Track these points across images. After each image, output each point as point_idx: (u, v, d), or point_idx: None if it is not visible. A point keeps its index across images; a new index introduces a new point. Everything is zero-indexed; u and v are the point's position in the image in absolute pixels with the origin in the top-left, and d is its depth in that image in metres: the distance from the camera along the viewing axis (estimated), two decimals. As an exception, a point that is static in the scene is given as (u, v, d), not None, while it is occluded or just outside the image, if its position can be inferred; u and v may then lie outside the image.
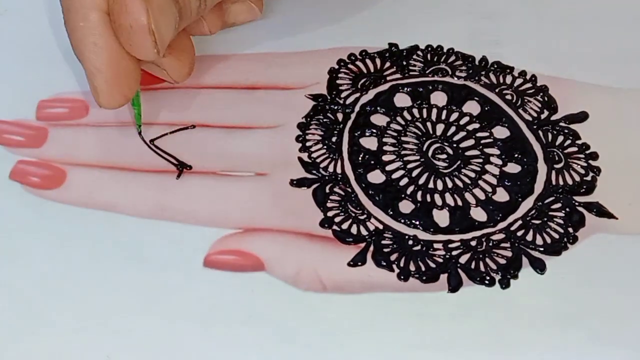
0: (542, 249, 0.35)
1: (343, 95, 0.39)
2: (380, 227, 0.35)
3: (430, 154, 0.37)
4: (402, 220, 0.35)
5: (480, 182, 0.37)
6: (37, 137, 0.37)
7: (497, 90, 0.40)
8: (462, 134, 0.38)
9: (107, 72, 0.34)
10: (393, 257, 0.34)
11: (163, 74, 0.36)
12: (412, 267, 0.34)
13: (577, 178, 0.37)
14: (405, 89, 0.40)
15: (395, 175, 0.37)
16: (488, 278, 0.34)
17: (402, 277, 0.34)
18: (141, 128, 0.37)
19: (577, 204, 0.36)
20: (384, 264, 0.34)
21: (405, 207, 0.36)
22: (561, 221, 0.35)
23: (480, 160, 0.37)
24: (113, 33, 0.34)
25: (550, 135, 0.38)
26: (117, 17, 0.33)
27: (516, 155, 0.38)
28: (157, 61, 0.35)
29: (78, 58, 0.34)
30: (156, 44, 0.33)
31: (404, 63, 0.41)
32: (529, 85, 0.40)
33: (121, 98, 0.34)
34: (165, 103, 0.38)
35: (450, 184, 0.37)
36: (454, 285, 0.33)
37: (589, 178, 0.37)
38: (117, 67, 0.34)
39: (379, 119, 0.39)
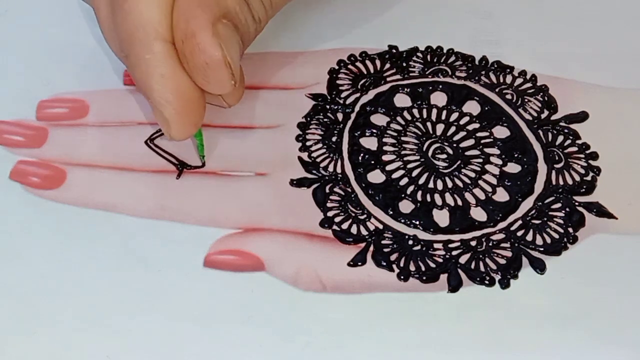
0: (542, 249, 0.35)
1: (343, 95, 0.39)
2: (380, 227, 0.35)
3: (430, 154, 0.38)
4: (402, 220, 0.35)
5: (480, 182, 0.37)
6: (37, 137, 0.37)
7: (497, 90, 0.40)
8: (462, 133, 0.38)
9: (176, 102, 0.33)
10: (393, 257, 0.34)
11: (217, 100, 0.36)
12: (412, 267, 0.34)
13: (577, 178, 0.37)
14: (405, 89, 0.40)
15: (395, 175, 0.37)
16: (488, 278, 0.34)
17: (402, 277, 0.34)
18: (205, 159, 0.37)
19: (577, 204, 0.36)
20: (384, 264, 0.34)
21: (405, 207, 0.36)
22: (561, 221, 0.35)
23: (480, 160, 0.37)
24: (179, 63, 0.33)
25: (550, 135, 0.38)
26: (190, 58, 0.33)
27: (516, 155, 0.38)
28: None
29: (142, 91, 0.34)
30: (233, 76, 0.33)
31: (404, 64, 0.41)
32: (529, 85, 0.40)
33: (191, 127, 0.34)
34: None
35: (450, 184, 0.37)
36: (454, 285, 0.33)
37: (589, 178, 0.37)
38: (185, 97, 0.33)
39: (379, 119, 0.39)
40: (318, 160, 0.37)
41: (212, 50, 0.32)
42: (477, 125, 0.39)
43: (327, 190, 0.36)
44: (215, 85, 0.33)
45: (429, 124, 0.39)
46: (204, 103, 0.34)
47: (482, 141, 0.38)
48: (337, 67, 0.40)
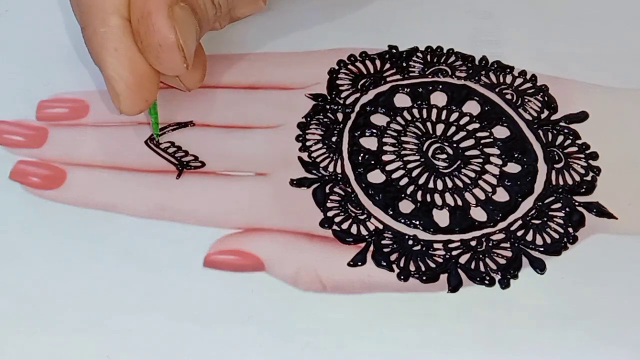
0: (542, 249, 0.35)
1: (343, 95, 0.39)
2: (380, 227, 0.35)
3: (430, 154, 0.38)
4: (402, 220, 0.35)
5: (480, 182, 0.37)
6: (37, 137, 0.37)
7: (497, 90, 0.40)
8: (462, 133, 0.38)
9: (128, 77, 0.33)
10: (393, 257, 0.34)
11: (176, 82, 0.36)
12: (412, 267, 0.34)
13: (577, 178, 0.37)
14: (405, 89, 0.40)
15: (395, 175, 0.37)
16: (488, 278, 0.34)
17: (402, 277, 0.34)
18: (159, 137, 0.37)
19: (577, 204, 0.36)
20: (384, 264, 0.34)
21: (405, 207, 0.36)
22: (561, 221, 0.35)
23: (480, 160, 0.37)
24: (133, 39, 0.33)
25: (550, 135, 0.38)
26: (144, 37, 0.33)
27: (516, 155, 0.38)
28: None
29: (97, 63, 0.34)
30: (185, 59, 0.33)
31: (404, 64, 0.41)
32: (529, 85, 0.40)
33: (142, 103, 0.34)
34: (165, 103, 0.38)
35: (450, 184, 0.37)
36: (454, 285, 0.33)
37: (589, 178, 0.37)
38: (138, 72, 0.34)
39: (379, 119, 0.39)
40: (318, 160, 0.37)
41: (165, 32, 0.33)
42: (477, 125, 0.39)
43: (327, 190, 0.36)
44: (167, 66, 0.34)
45: (429, 124, 0.39)
46: (156, 80, 0.34)
47: (482, 141, 0.38)
48: (337, 67, 0.40)
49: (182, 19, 0.33)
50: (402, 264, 0.34)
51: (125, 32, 0.33)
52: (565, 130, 0.38)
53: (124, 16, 0.33)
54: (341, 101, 0.39)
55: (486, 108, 0.39)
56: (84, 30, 0.34)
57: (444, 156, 0.37)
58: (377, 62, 0.41)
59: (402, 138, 0.38)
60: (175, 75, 0.35)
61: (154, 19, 0.33)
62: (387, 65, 0.41)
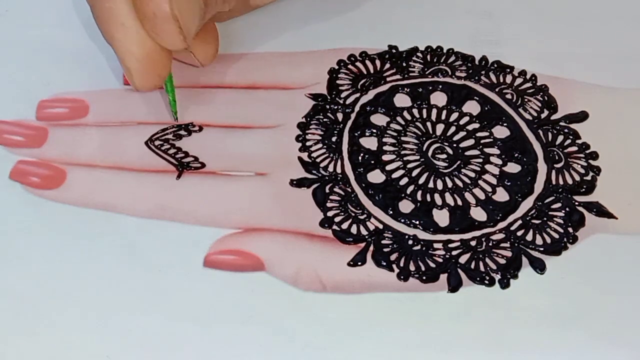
0: (542, 248, 0.35)
1: (343, 95, 0.39)
2: (380, 226, 0.35)
3: (430, 153, 0.38)
4: (402, 220, 0.35)
5: (480, 181, 0.37)
6: (37, 137, 0.37)
7: (497, 90, 0.40)
8: (462, 133, 0.38)
9: (138, 52, 0.33)
10: (393, 257, 0.34)
11: (189, 58, 0.36)
12: (412, 267, 0.34)
13: (577, 178, 0.37)
14: (405, 89, 0.40)
15: (395, 175, 0.37)
16: (488, 278, 0.34)
17: (402, 277, 0.34)
18: (177, 114, 0.37)
19: (577, 203, 0.36)
20: (384, 263, 0.34)
21: (405, 206, 0.36)
22: (561, 221, 0.35)
23: (480, 160, 0.37)
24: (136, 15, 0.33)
25: (550, 135, 0.38)
26: (140, 6, 0.33)
27: (516, 155, 0.38)
28: None
29: (107, 41, 0.34)
30: (181, 30, 0.33)
31: (404, 65, 0.41)
32: (529, 84, 0.40)
33: (155, 78, 0.34)
34: (165, 103, 0.38)
35: (450, 184, 0.37)
36: (454, 285, 0.33)
37: (589, 178, 0.37)
38: (146, 46, 0.34)
39: (379, 119, 0.39)
40: (318, 160, 0.37)
41: (160, 1, 0.33)
42: (477, 125, 0.39)
43: (327, 190, 0.36)
44: (163, 38, 0.33)
45: (428, 124, 0.39)
46: (167, 54, 0.34)
47: (482, 141, 0.38)
48: (337, 67, 0.40)
49: None
50: (402, 264, 0.34)
51: (131, 6, 0.33)
52: (565, 130, 0.38)
53: None
54: (341, 101, 0.39)
55: (486, 108, 0.39)
56: (92, 8, 0.34)
57: (444, 156, 0.37)
58: (377, 62, 0.41)
59: (402, 138, 0.38)
60: (175, 49, 0.34)
61: None
62: (387, 65, 0.41)
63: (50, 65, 0.40)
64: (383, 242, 0.35)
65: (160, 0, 0.33)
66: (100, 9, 0.34)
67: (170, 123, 0.38)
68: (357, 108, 0.39)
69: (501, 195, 0.36)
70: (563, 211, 0.36)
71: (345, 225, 0.35)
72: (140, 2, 0.33)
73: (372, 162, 0.37)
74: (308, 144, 0.38)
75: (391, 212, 0.36)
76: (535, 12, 0.43)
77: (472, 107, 0.39)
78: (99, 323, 0.32)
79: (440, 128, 0.38)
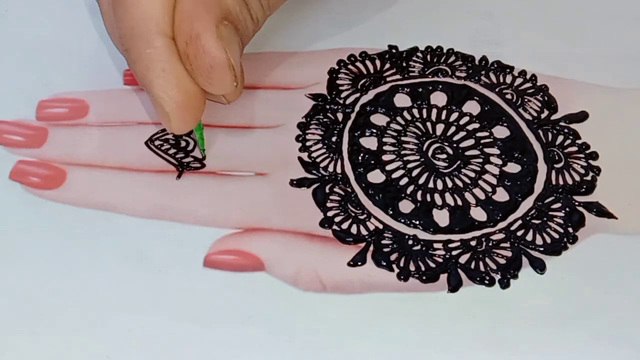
0: (542, 248, 0.35)
1: (343, 95, 0.39)
2: (380, 226, 0.35)
3: (430, 153, 0.38)
4: (402, 220, 0.35)
5: (480, 181, 0.37)
6: (37, 137, 0.37)
7: (497, 90, 0.40)
8: (462, 133, 0.38)
9: (177, 97, 0.33)
10: (393, 257, 0.34)
11: (217, 97, 0.36)
12: (412, 267, 0.34)
13: (577, 178, 0.37)
14: (405, 89, 0.40)
15: (395, 175, 0.37)
16: (488, 278, 0.34)
17: (402, 277, 0.34)
18: (205, 152, 0.37)
19: (577, 203, 0.36)
20: (384, 263, 0.34)
21: (405, 206, 0.36)
22: (561, 221, 0.35)
23: (480, 160, 0.37)
24: (179, 58, 0.33)
25: (550, 135, 0.38)
26: (194, 60, 0.33)
27: (516, 155, 0.38)
28: None
29: (143, 85, 0.34)
30: (236, 77, 0.33)
31: (404, 64, 0.41)
32: (529, 84, 0.40)
33: (191, 121, 0.34)
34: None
35: (450, 184, 0.37)
36: (454, 285, 0.33)
37: (589, 178, 0.37)
38: (186, 91, 0.33)
39: (379, 119, 0.39)
40: (318, 160, 0.37)
41: (216, 53, 0.32)
42: (477, 125, 0.39)
43: (327, 190, 0.36)
44: (218, 86, 0.33)
45: (428, 124, 0.39)
46: (204, 98, 0.34)
47: (482, 141, 0.38)
48: (337, 67, 0.40)
49: (227, 38, 0.33)
50: (402, 264, 0.34)
51: (171, 51, 0.33)
52: (565, 130, 0.38)
53: (169, 35, 0.33)
54: (341, 101, 0.39)
55: (486, 108, 0.39)
56: (127, 53, 0.34)
57: (444, 156, 0.37)
58: (377, 62, 0.41)
59: (402, 138, 0.38)
60: (224, 93, 0.34)
61: (203, 40, 0.32)
62: (387, 65, 0.41)
63: (50, 65, 0.40)
64: (383, 242, 0.35)
65: (216, 52, 0.32)
66: (139, 54, 0.33)
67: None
68: (357, 108, 0.39)
69: (501, 195, 0.36)
70: (563, 211, 0.36)
71: (345, 225, 0.35)
72: (193, 56, 0.33)
73: (372, 162, 0.37)
74: (308, 144, 0.38)
75: (391, 212, 0.36)
76: (535, 12, 0.43)
77: (472, 107, 0.39)
78: (99, 323, 0.32)
79: (440, 128, 0.38)
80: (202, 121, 0.36)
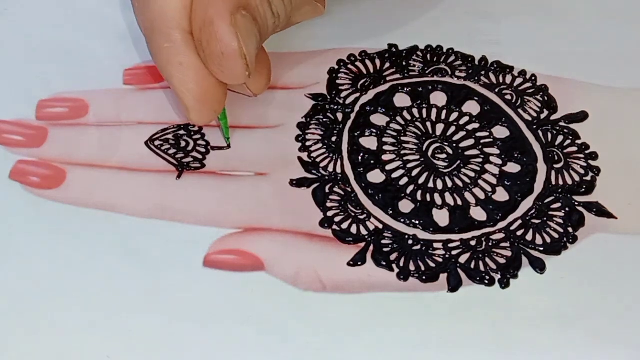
0: (542, 248, 0.35)
1: (343, 95, 0.39)
2: (380, 226, 0.35)
3: (430, 153, 0.38)
4: (402, 220, 0.35)
5: (480, 181, 0.37)
6: (37, 137, 0.37)
7: (496, 90, 0.40)
8: (461, 133, 0.38)
9: (195, 90, 0.34)
10: (393, 256, 0.34)
11: (243, 89, 0.36)
12: (411, 267, 0.34)
13: (577, 178, 0.37)
14: (405, 89, 0.40)
15: (395, 175, 0.37)
16: (488, 278, 0.34)
17: (401, 276, 0.34)
18: (230, 140, 0.37)
19: (576, 203, 0.36)
20: (384, 263, 0.34)
21: (405, 206, 0.36)
22: (561, 221, 0.35)
23: (480, 160, 0.37)
24: (197, 52, 0.34)
25: (550, 135, 0.38)
26: (206, 46, 0.33)
27: (516, 155, 0.38)
28: None
29: (164, 76, 0.35)
30: (248, 67, 0.33)
31: (404, 64, 0.41)
32: (528, 85, 0.40)
33: (211, 114, 0.35)
34: (165, 103, 0.38)
35: (450, 184, 0.37)
36: (454, 285, 0.34)
37: (588, 178, 0.37)
38: (204, 85, 0.34)
39: (379, 119, 0.39)
40: (318, 160, 0.37)
41: (228, 39, 0.33)
42: (476, 125, 0.39)
43: (327, 190, 0.36)
44: (230, 75, 0.34)
45: (428, 124, 0.39)
46: (223, 90, 0.35)
47: (482, 141, 0.38)
48: (337, 67, 0.40)
49: (243, 27, 0.33)
50: (401, 264, 0.34)
51: (188, 45, 0.34)
52: (565, 130, 0.39)
53: (186, 29, 0.34)
54: (341, 101, 0.39)
55: (486, 108, 0.39)
56: (149, 44, 0.35)
57: (443, 156, 0.37)
58: (377, 62, 0.41)
59: (402, 138, 0.38)
60: (237, 84, 0.35)
61: (216, 26, 0.33)
62: (387, 65, 0.41)
63: (50, 65, 0.40)
64: (383, 242, 0.35)
65: (228, 39, 0.33)
66: (159, 47, 0.34)
67: (171, 123, 0.38)
68: (357, 108, 0.39)
69: (501, 195, 0.36)
70: (563, 211, 0.36)
71: (345, 225, 0.35)
72: (206, 42, 0.33)
73: (372, 162, 0.37)
74: (308, 144, 0.38)
75: (391, 212, 0.36)
76: (535, 12, 0.43)
77: (472, 107, 0.39)
78: (98, 323, 0.32)
79: (440, 128, 0.38)
80: (226, 110, 0.36)
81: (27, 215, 0.35)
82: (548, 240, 0.35)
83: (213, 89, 0.34)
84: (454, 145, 0.38)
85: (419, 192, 0.36)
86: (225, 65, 0.33)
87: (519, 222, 0.35)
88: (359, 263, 0.34)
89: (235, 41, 0.33)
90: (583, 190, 0.36)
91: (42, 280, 0.33)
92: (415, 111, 0.39)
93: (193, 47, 0.34)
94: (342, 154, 0.37)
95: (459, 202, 0.36)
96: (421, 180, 0.37)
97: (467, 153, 0.38)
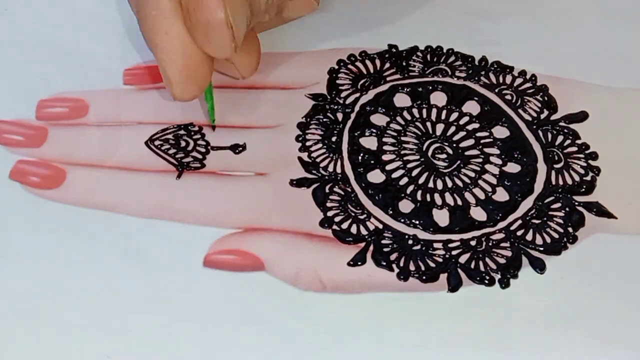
0: (542, 248, 0.35)
1: (343, 95, 0.39)
2: (380, 226, 0.35)
3: (430, 153, 0.38)
4: (402, 220, 0.35)
5: (480, 181, 0.37)
6: (37, 136, 0.37)
7: (496, 90, 0.40)
8: (461, 133, 0.38)
9: (179, 61, 0.33)
10: (393, 256, 0.34)
11: (231, 70, 0.36)
12: (412, 267, 0.34)
13: (577, 178, 0.37)
14: (405, 89, 0.40)
15: (395, 175, 0.37)
16: (488, 278, 0.34)
17: (402, 276, 0.34)
18: (215, 122, 0.37)
19: (576, 203, 0.36)
20: (384, 263, 0.34)
21: (405, 206, 0.36)
22: (561, 221, 0.35)
23: (480, 160, 0.37)
24: (184, 22, 0.33)
25: (550, 135, 0.38)
26: (192, 14, 0.33)
27: (516, 155, 0.38)
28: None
29: (150, 47, 0.34)
30: (234, 38, 0.33)
31: (404, 64, 0.41)
32: (528, 85, 0.40)
33: (195, 88, 0.34)
34: (165, 102, 0.38)
35: (450, 184, 0.37)
36: (454, 285, 0.34)
37: (588, 178, 0.37)
38: (190, 57, 0.33)
39: (379, 119, 0.39)
40: (318, 160, 0.37)
41: (214, 7, 0.32)
42: (476, 125, 0.39)
43: (327, 190, 0.36)
44: (215, 45, 0.33)
45: (428, 124, 0.39)
46: (209, 65, 0.34)
47: (482, 141, 0.38)
48: (337, 67, 0.40)
49: (232, 0, 0.33)
50: (402, 264, 0.34)
51: (176, 15, 0.33)
52: (565, 130, 0.39)
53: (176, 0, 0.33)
54: (341, 101, 0.39)
55: (486, 108, 0.39)
56: (137, 14, 0.34)
57: (443, 156, 0.37)
58: (377, 62, 0.41)
59: (402, 138, 0.38)
60: (223, 57, 0.34)
61: None
62: (387, 65, 0.41)
63: (50, 65, 0.40)
64: (383, 242, 0.35)
65: (215, 7, 0.32)
66: (146, 16, 0.34)
67: (171, 123, 0.38)
68: (357, 108, 0.39)
69: (501, 195, 0.36)
70: (563, 211, 0.36)
71: (345, 225, 0.35)
72: (193, 10, 0.33)
73: (372, 162, 0.37)
74: (308, 144, 0.38)
75: (391, 212, 0.36)
76: (535, 12, 0.43)
77: (471, 107, 0.39)
78: (99, 323, 0.32)
79: (440, 128, 0.38)
80: (213, 91, 0.36)
81: (27, 215, 0.35)
82: (548, 240, 0.35)
83: (198, 62, 0.34)
84: (454, 145, 0.38)
85: (419, 192, 0.36)
86: (211, 34, 0.33)
87: (519, 222, 0.35)
88: (359, 263, 0.34)
89: (221, 9, 0.32)
90: (583, 190, 0.36)
91: (42, 280, 0.33)
92: (415, 111, 0.39)
93: (180, 17, 0.33)
94: (342, 154, 0.37)
95: (459, 202, 0.36)
96: (421, 180, 0.37)
97: (467, 153, 0.38)
